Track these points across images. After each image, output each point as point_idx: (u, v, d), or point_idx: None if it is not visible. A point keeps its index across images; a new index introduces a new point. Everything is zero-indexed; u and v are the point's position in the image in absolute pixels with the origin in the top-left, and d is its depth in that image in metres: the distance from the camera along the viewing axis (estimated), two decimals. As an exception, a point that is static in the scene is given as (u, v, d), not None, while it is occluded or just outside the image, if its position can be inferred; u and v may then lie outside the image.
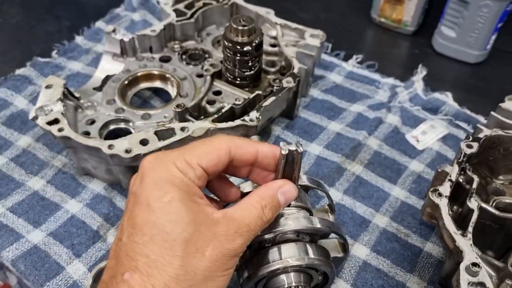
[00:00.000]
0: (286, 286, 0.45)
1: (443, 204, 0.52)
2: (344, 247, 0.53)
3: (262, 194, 0.41)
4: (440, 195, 0.52)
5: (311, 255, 0.46)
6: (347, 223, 0.63)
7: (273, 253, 0.45)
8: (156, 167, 0.38)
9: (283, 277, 0.46)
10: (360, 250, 0.61)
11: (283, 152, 0.41)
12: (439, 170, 0.57)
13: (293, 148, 0.41)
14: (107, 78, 0.73)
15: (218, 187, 0.46)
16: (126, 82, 0.72)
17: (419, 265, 0.60)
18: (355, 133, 0.75)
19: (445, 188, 0.53)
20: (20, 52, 0.86)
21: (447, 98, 0.80)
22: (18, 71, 0.81)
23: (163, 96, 0.78)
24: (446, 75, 0.88)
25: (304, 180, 0.50)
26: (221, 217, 0.38)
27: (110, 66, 0.76)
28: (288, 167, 0.42)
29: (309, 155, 0.72)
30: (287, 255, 0.45)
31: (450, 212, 0.51)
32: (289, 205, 0.46)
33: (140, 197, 0.37)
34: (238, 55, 0.66)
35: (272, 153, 0.43)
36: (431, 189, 0.53)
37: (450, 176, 0.54)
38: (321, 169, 0.70)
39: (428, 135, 0.76)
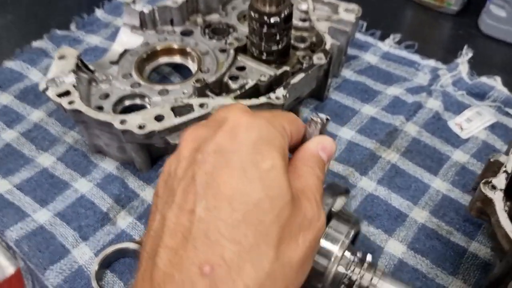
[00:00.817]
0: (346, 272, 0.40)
1: (497, 198, 0.45)
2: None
3: (303, 156, 0.35)
4: (493, 188, 0.45)
5: None
6: (381, 216, 0.57)
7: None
8: (252, 123, 0.31)
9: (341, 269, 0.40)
10: (395, 247, 0.54)
11: (319, 121, 0.37)
12: (491, 160, 0.49)
13: (323, 116, 0.37)
14: (125, 52, 0.68)
15: None
16: (145, 55, 0.67)
17: (463, 267, 0.53)
18: (391, 118, 0.68)
19: (500, 181, 0.46)
20: (37, 25, 0.83)
21: (495, 83, 0.72)
22: (35, 44, 0.78)
23: (183, 73, 0.72)
24: (494, 58, 0.80)
25: None
26: (299, 193, 0.31)
27: (128, 39, 0.71)
28: None
29: (340, 139, 0.65)
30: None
31: (506, 208, 0.44)
32: None
33: (232, 158, 0.29)
34: (265, 27, 0.60)
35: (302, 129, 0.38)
36: (483, 181, 0.46)
37: (506, 167, 0.47)
38: (352, 155, 0.63)
39: (473, 122, 0.68)
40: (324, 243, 0.39)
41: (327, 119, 0.37)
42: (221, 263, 0.26)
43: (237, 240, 0.26)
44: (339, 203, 0.42)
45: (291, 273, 0.29)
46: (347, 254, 0.40)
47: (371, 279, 0.40)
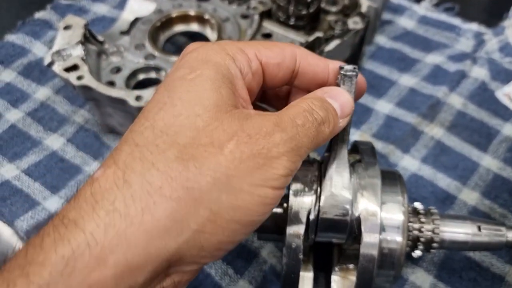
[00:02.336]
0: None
1: None
2: None
3: (306, 96, 0.31)
4: None
5: None
6: (427, 198, 0.51)
7: None
8: (199, 49, 0.30)
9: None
10: (445, 233, 0.48)
11: (342, 72, 0.32)
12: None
13: (350, 72, 0.32)
14: (136, 20, 0.62)
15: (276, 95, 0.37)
16: (158, 24, 0.61)
17: (520, 254, 0.47)
18: (432, 89, 0.61)
19: None
20: (39, -5, 0.76)
21: (548, 48, 0.65)
22: (38, 15, 0.71)
23: (200, 43, 0.66)
24: (543, 20, 0.72)
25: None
26: (254, 113, 0.28)
27: (139, 6, 0.64)
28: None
29: (377, 114, 0.59)
30: None
31: None
32: None
33: (165, 80, 0.29)
34: (294, -13, 0.53)
35: (320, 62, 0.34)
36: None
37: None
38: (392, 131, 0.57)
39: (524, 93, 0.61)
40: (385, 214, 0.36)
41: (354, 71, 0.32)
42: (112, 165, 0.25)
43: (135, 142, 0.25)
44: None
45: (200, 180, 0.24)
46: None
47: (433, 226, 0.39)
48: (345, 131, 0.34)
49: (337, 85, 0.33)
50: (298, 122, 0.27)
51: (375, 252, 0.34)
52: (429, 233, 0.39)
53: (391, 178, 0.39)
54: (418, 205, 0.41)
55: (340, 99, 0.31)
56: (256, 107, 0.34)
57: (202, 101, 0.26)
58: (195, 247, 0.24)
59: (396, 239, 0.36)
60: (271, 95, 0.38)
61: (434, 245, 0.39)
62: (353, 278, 0.38)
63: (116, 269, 0.22)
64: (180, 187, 0.23)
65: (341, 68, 0.33)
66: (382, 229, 0.35)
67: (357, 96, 0.34)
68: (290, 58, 0.32)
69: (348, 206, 0.34)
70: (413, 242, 0.39)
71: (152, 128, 0.25)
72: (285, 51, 0.32)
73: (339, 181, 0.34)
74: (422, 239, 0.39)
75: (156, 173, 0.23)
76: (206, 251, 0.25)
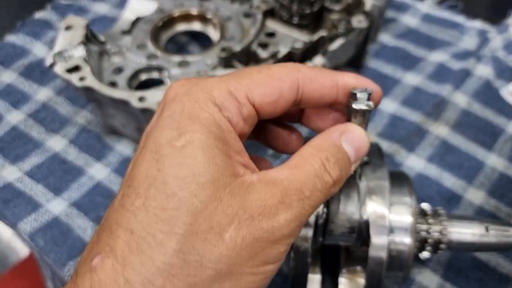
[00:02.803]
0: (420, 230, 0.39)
1: None
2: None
3: (319, 143, 0.27)
4: None
5: None
6: (433, 198, 0.51)
7: None
8: (182, 96, 0.26)
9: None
10: (451, 233, 0.48)
11: (358, 107, 0.28)
12: None
13: (363, 107, 0.29)
14: (138, 20, 0.61)
15: (268, 132, 0.33)
16: (160, 23, 0.60)
17: (527, 254, 0.47)
18: (436, 88, 0.61)
19: None
20: (39, -5, 0.76)
21: (552, 45, 0.64)
22: (38, 15, 0.71)
23: (203, 42, 0.65)
24: (547, 17, 0.71)
25: None
26: (257, 180, 0.25)
27: (140, 5, 0.63)
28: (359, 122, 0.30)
29: (382, 113, 0.58)
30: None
31: None
32: None
33: (149, 139, 0.26)
34: (297, -14, 0.52)
35: (328, 82, 0.29)
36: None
37: None
38: (396, 130, 0.57)
39: (529, 90, 0.61)
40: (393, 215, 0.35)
41: (369, 93, 0.29)
42: (110, 254, 0.23)
43: (131, 229, 0.23)
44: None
45: (202, 273, 0.23)
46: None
47: (440, 227, 0.38)
48: None
49: (348, 107, 0.29)
50: (306, 194, 0.25)
51: (384, 254, 0.34)
52: (437, 234, 0.38)
53: (398, 179, 0.38)
54: (425, 206, 0.41)
55: (356, 142, 0.28)
56: None
57: (196, 178, 0.23)
58: None
59: (405, 241, 0.35)
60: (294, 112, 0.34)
61: (442, 246, 0.39)
62: (360, 280, 0.38)
63: None
64: (181, 285, 0.22)
65: (353, 94, 0.29)
66: (391, 231, 0.35)
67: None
68: (290, 90, 0.28)
69: (356, 217, 0.34)
70: (421, 244, 0.39)
71: (146, 209, 0.23)
72: (284, 83, 0.28)
73: (346, 188, 0.33)
74: (429, 240, 0.38)
75: (156, 272, 0.22)
76: None
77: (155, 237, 0.23)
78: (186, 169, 0.24)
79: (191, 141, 0.24)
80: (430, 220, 0.39)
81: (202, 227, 0.23)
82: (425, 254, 0.39)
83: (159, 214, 0.23)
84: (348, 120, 0.30)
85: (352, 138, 0.28)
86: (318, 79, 0.29)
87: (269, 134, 0.33)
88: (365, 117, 0.29)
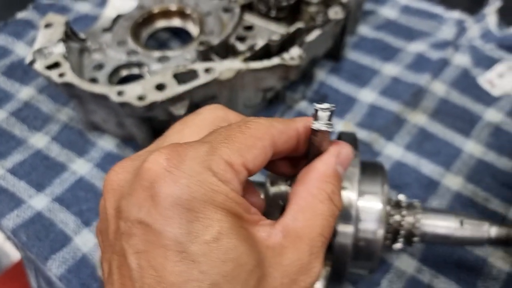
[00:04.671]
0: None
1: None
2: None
3: (323, 173, 0.28)
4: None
5: None
6: (411, 185, 0.52)
7: None
8: (178, 176, 0.23)
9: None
10: (428, 218, 0.49)
11: (317, 128, 0.27)
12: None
13: (322, 128, 0.27)
14: (118, 17, 0.62)
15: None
16: (140, 20, 0.61)
17: (503, 236, 0.48)
18: (415, 77, 0.62)
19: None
20: (21, -5, 0.76)
21: (528, 34, 0.65)
22: (20, 15, 0.71)
23: (183, 38, 0.66)
24: (524, 6, 0.72)
25: None
26: (283, 237, 0.25)
27: (121, 3, 0.64)
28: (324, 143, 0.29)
29: (361, 103, 0.59)
30: None
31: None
32: None
33: (161, 235, 0.22)
34: (273, -21, 0.53)
35: (291, 128, 0.29)
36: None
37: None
38: (375, 120, 0.58)
39: (505, 78, 0.62)
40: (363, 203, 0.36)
41: (331, 110, 0.27)
42: None
43: None
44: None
45: None
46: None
47: (414, 219, 0.39)
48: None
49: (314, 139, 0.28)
50: (326, 236, 0.26)
51: (349, 242, 0.34)
52: (410, 226, 0.38)
53: (373, 169, 0.38)
54: (401, 197, 0.41)
55: (345, 162, 0.29)
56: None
57: (244, 268, 0.23)
58: None
59: (373, 230, 0.35)
60: None
61: (415, 238, 0.39)
62: (327, 268, 0.38)
63: None
64: None
65: (315, 111, 0.27)
66: (359, 219, 0.35)
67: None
68: (270, 148, 0.27)
69: None
70: (394, 235, 0.39)
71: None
72: (265, 141, 0.27)
73: None
74: (402, 232, 0.38)
75: None
76: None
77: None
78: (232, 266, 0.22)
79: (222, 232, 0.23)
80: (404, 212, 0.39)
81: None
82: (398, 246, 0.39)
83: None
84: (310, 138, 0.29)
85: (343, 160, 0.29)
86: (287, 132, 0.28)
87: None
88: (324, 137, 0.28)
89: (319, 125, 0.27)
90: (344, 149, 0.29)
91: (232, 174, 0.25)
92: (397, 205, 0.40)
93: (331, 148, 0.29)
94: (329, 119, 0.27)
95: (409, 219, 0.39)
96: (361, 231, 0.35)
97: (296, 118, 0.30)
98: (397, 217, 0.39)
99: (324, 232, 0.26)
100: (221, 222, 0.23)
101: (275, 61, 0.50)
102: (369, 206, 0.36)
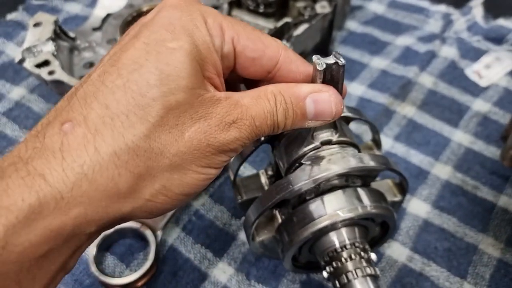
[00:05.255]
0: (339, 246, 0.35)
1: (536, 143, 0.40)
2: (402, 187, 0.42)
3: (282, 87, 0.30)
4: (530, 131, 0.41)
5: (365, 202, 0.35)
6: (401, 175, 0.52)
7: (317, 207, 0.35)
8: (181, 7, 0.28)
9: (333, 235, 0.35)
10: (419, 207, 0.50)
11: (318, 68, 0.29)
12: (523, 102, 0.44)
13: (331, 61, 0.29)
14: (108, 16, 0.62)
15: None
16: (130, 18, 0.61)
17: (492, 223, 0.48)
18: (403, 70, 0.62)
19: (537, 123, 0.41)
20: (10, -3, 0.76)
21: (514, 25, 0.66)
22: (10, 16, 0.71)
23: (174, 36, 0.66)
24: (509, -1, 0.73)
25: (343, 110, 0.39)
26: (224, 97, 0.28)
27: (110, 2, 0.65)
28: None
29: (350, 96, 0.60)
30: (335, 207, 0.34)
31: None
32: (330, 143, 0.35)
33: (142, 32, 0.27)
34: (261, -25, 0.54)
35: (304, 70, 0.31)
36: (517, 126, 0.41)
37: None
38: (365, 112, 0.56)
39: (492, 69, 0.63)
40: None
41: (336, 64, 0.29)
42: (82, 123, 0.25)
43: (107, 104, 0.25)
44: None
45: (160, 160, 0.26)
46: None
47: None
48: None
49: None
50: (256, 123, 0.28)
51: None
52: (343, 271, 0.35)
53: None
54: (373, 256, 0.36)
55: (321, 105, 0.30)
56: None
57: (179, 81, 0.26)
58: (145, 211, 0.27)
59: None
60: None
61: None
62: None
63: (75, 220, 0.24)
64: (142, 164, 0.26)
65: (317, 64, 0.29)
66: None
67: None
68: (269, 59, 0.30)
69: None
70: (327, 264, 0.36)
71: (125, 90, 0.25)
72: (268, 50, 0.30)
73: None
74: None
75: (124, 148, 0.25)
76: (153, 214, 0.28)
77: (129, 118, 0.25)
78: (173, 69, 0.26)
79: (183, 48, 0.27)
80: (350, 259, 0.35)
81: (171, 122, 0.26)
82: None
83: (136, 99, 0.25)
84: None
85: (319, 100, 0.30)
86: (297, 63, 0.31)
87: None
88: (333, 78, 0.30)
89: (317, 59, 0.29)
90: (328, 93, 0.30)
91: (218, 35, 0.28)
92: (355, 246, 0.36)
93: (316, 84, 0.30)
94: (338, 58, 0.29)
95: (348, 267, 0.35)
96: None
97: (309, 64, 0.31)
98: (344, 254, 0.35)
99: (256, 119, 0.28)
100: (186, 44, 0.27)
101: (263, 54, 0.50)
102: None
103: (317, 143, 0.34)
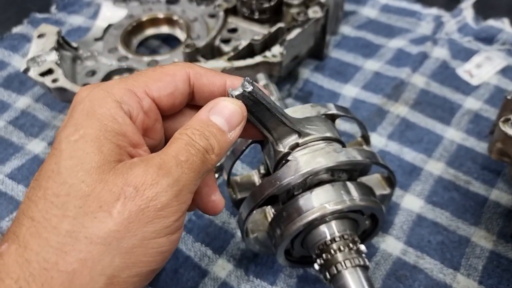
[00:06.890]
0: (329, 238, 0.36)
1: (519, 135, 0.41)
2: (390, 181, 0.43)
3: (187, 124, 0.30)
4: (515, 125, 0.42)
5: (353, 195, 0.36)
6: (394, 172, 0.53)
7: (305, 200, 0.36)
8: (85, 97, 0.29)
9: (323, 228, 0.37)
10: (412, 202, 0.51)
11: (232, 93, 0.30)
12: (508, 97, 0.46)
13: (239, 91, 0.30)
14: (109, 27, 0.65)
15: None
16: (130, 28, 0.64)
17: (484, 216, 0.50)
18: (396, 71, 0.64)
19: (521, 117, 0.42)
20: (16, 10, 0.79)
21: (503, 25, 0.68)
22: (15, 30, 0.74)
23: (172, 45, 0.68)
24: None
25: (330, 107, 0.41)
26: (138, 160, 0.27)
27: (111, 13, 0.67)
28: (256, 111, 0.32)
29: (344, 98, 0.62)
30: (323, 200, 0.36)
31: (530, 145, 0.41)
32: (315, 140, 0.37)
33: (55, 138, 0.28)
34: (254, -17, 0.56)
35: (218, 79, 0.32)
36: (502, 119, 0.43)
37: (526, 102, 0.43)
38: (359, 112, 0.60)
39: (483, 68, 0.64)
40: None
41: (244, 93, 0.30)
42: (15, 240, 0.26)
43: (31, 216, 0.26)
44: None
45: (92, 249, 0.25)
46: None
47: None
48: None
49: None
50: (182, 159, 0.27)
51: None
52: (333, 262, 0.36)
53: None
54: (363, 248, 0.38)
55: (225, 112, 0.30)
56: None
57: (84, 166, 0.26)
58: None
59: None
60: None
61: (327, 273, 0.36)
62: None
63: None
64: (74, 260, 0.25)
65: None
66: None
67: None
68: (183, 84, 0.31)
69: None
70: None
71: (44, 199, 0.26)
72: (177, 77, 0.31)
73: None
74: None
75: (51, 250, 0.25)
76: None
77: (51, 221, 0.25)
78: (76, 160, 0.26)
79: (83, 135, 0.27)
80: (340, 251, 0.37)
81: (92, 207, 0.25)
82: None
83: (54, 201, 0.26)
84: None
85: (220, 110, 0.30)
86: (208, 77, 0.32)
87: None
88: (255, 100, 0.30)
89: (230, 91, 0.30)
90: (223, 102, 0.30)
91: (130, 97, 0.29)
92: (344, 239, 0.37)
93: (210, 101, 0.31)
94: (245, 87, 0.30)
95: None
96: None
97: (227, 74, 0.33)
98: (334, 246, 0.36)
99: (179, 155, 0.27)
100: (87, 129, 0.27)
101: (258, 59, 0.52)
102: None
103: (286, 150, 0.36)
